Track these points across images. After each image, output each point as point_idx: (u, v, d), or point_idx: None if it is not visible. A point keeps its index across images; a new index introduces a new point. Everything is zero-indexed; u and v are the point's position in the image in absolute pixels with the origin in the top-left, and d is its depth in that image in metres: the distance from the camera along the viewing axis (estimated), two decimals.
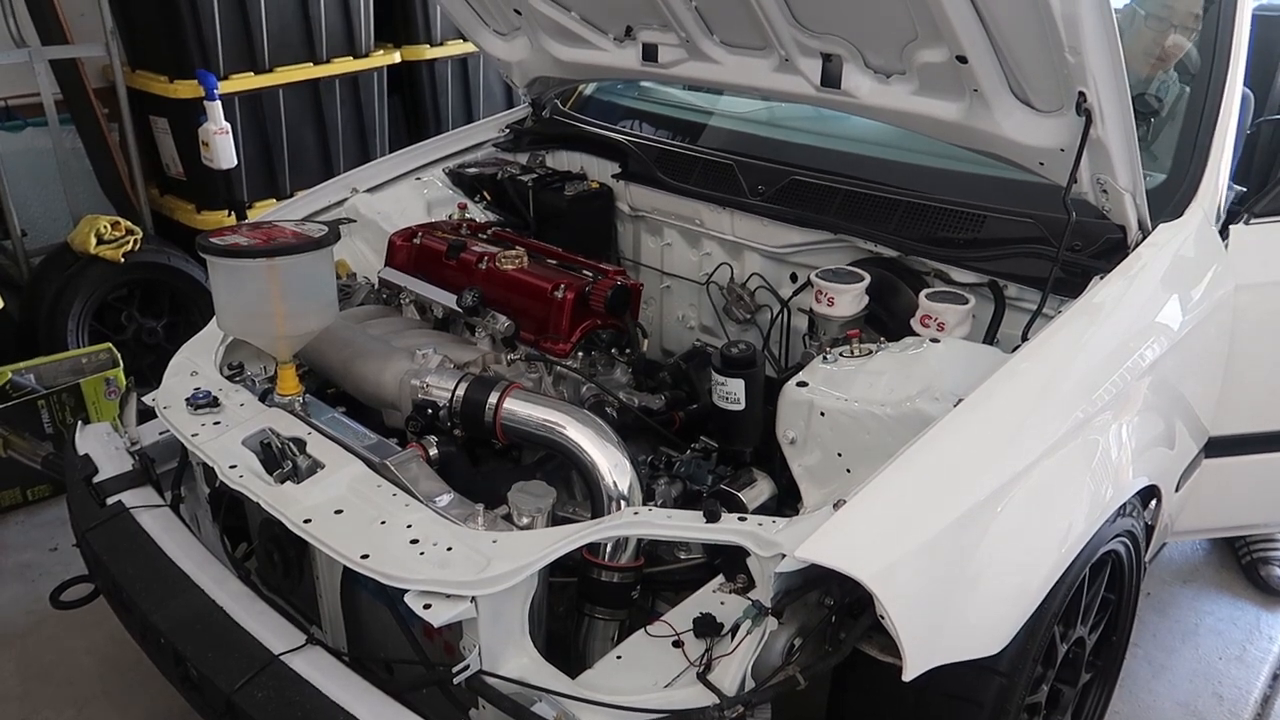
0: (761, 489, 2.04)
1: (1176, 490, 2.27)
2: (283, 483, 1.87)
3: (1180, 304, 2.09)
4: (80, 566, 2.29)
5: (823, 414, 1.88)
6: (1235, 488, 2.50)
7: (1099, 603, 2.09)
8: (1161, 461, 2.11)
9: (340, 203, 2.96)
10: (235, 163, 3.96)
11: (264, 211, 3.74)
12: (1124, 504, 1.92)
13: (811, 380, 1.93)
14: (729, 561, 1.74)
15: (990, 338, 2.20)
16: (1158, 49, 2.32)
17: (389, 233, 2.73)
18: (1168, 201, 2.15)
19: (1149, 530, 2.16)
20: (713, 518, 1.70)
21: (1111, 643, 2.26)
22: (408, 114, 5.07)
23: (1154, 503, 2.16)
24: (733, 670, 1.56)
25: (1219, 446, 2.38)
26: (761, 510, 1.99)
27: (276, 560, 2.02)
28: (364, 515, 1.78)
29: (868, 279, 2.26)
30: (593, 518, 1.90)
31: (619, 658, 1.66)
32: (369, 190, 2.99)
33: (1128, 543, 2.05)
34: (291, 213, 2.92)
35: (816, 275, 2.28)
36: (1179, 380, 2.14)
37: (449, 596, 1.60)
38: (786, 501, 2.05)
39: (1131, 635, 2.32)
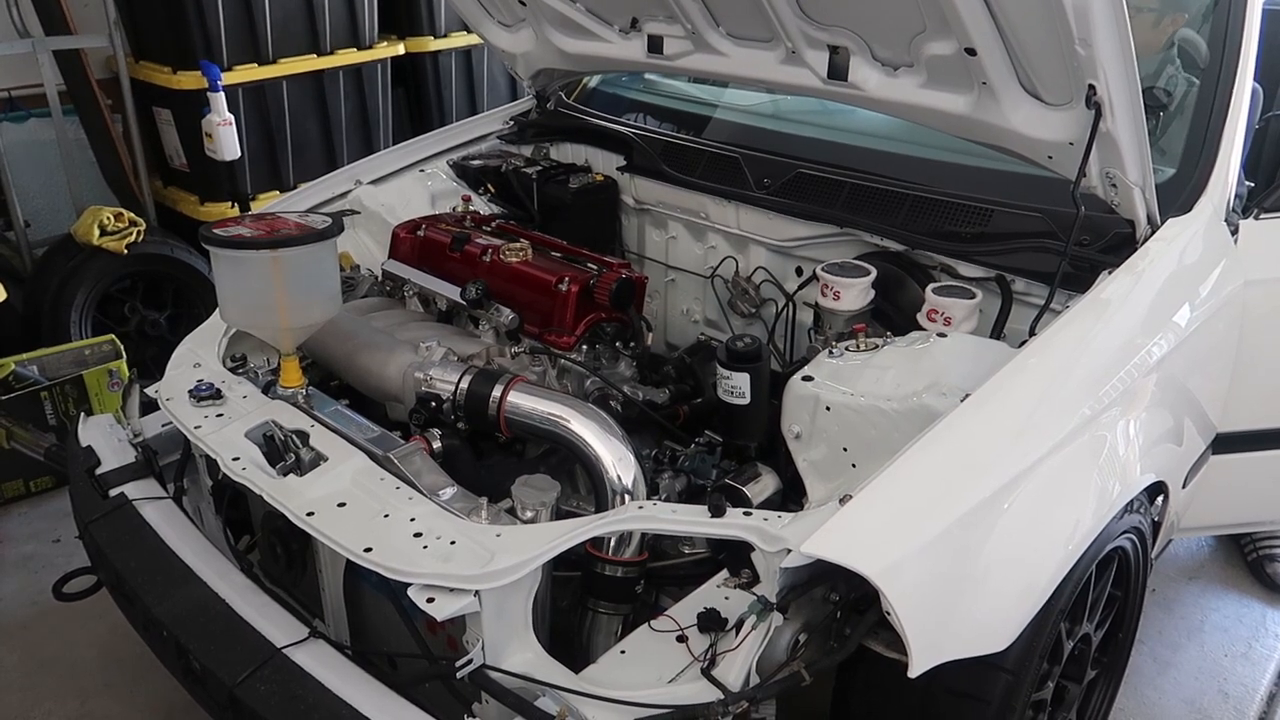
0: (766, 484, 2.04)
1: (1184, 486, 2.26)
2: (286, 475, 1.86)
3: (1189, 299, 2.08)
4: (83, 558, 2.29)
5: (828, 408, 1.87)
6: (1243, 484, 2.49)
7: (1105, 599, 2.08)
8: (1169, 458, 2.09)
9: (344, 195, 2.95)
10: (238, 154, 3.96)
11: (267, 203, 3.74)
12: (1131, 500, 1.91)
13: (817, 374, 1.92)
14: (733, 556, 1.74)
15: (997, 332, 2.19)
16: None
17: (392, 225, 2.73)
18: (1177, 196, 2.14)
19: (1156, 527, 2.16)
20: (718, 512, 1.69)
21: (1117, 639, 2.26)
22: (411, 106, 5.07)
23: (1161, 499, 2.15)
24: (737, 666, 1.55)
25: (1226, 443, 2.38)
26: (766, 505, 1.98)
27: (279, 553, 2.01)
28: (367, 508, 1.78)
29: (874, 273, 2.25)
30: (596, 512, 1.90)
31: (623, 652, 1.66)
32: (372, 182, 2.99)
33: (1134, 539, 2.04)
34: (295, 204, 2.90)
35: (822, 269, 2.27)
36: (1187, 376, 2.13)
37: (452, 590, 1.60)
38: (791, 496, 2.04)
39: (1137, 632, 2.31)
